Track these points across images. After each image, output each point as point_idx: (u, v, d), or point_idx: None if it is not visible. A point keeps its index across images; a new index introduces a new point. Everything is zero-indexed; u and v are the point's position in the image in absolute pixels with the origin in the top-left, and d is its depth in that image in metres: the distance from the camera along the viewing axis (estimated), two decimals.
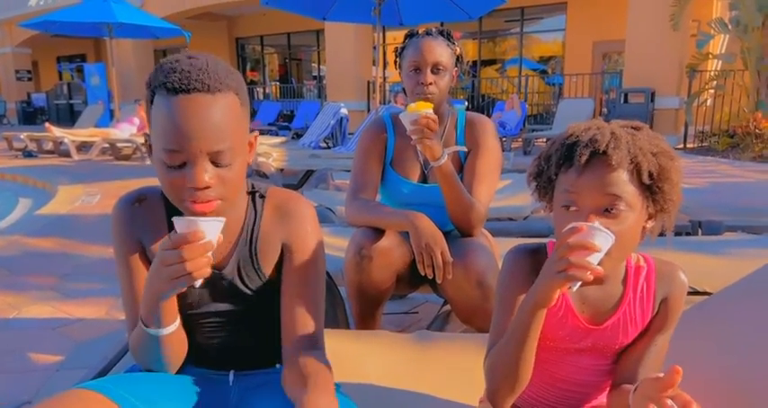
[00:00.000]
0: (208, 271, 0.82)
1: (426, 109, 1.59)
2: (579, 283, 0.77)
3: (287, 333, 0.98)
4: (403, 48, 1.80)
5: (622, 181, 0.81)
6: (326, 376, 0.89)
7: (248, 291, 1.00)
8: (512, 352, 0.86)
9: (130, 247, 0.99)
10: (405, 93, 1.82)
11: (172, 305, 0.90)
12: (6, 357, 2.05)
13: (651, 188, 0.83)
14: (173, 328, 0.91)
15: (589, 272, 0.76)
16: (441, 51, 1.73)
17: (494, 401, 0.91)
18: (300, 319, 0.97)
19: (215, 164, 0.85)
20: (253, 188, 1.02)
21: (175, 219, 0.83)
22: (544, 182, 0.89)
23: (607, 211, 0.81)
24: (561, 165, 0.85)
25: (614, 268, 0.89)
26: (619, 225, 0.81)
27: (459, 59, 1.80)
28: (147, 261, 0.99)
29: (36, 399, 1.75)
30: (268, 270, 1.00)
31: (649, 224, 0.87)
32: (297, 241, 0.99)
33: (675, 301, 0.92)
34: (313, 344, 0.97)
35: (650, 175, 0.81)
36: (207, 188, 0.84)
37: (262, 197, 1.01)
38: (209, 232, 0.82)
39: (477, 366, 1.00)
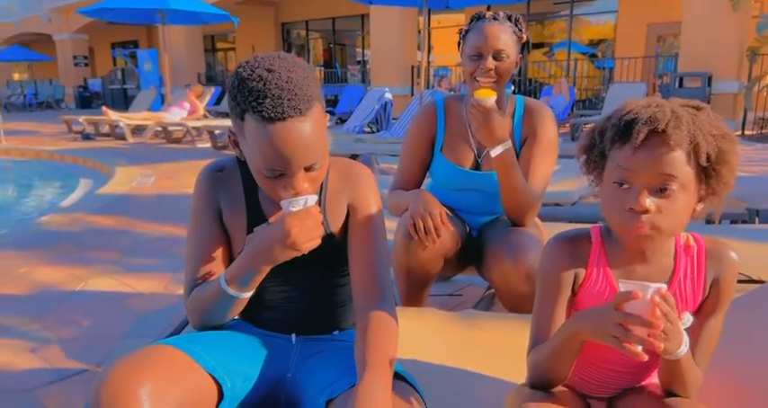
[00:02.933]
0: (317, 242, 0.97)
1: (490, 97, 1.57)
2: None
3: (357, 285, 1.07)
4: (467, 31, 1.74)
5: (679, 161, 0.80)
6: (387, 352, 0.96)
7: None
8: (553, 361, 0.90)
9: (210, 208, 1.09)
10: (464, 79, 1.79)
11: (263, 275, 1.01)
12: (74, 326, 2.20)
13: (707, 170, 0.82)
14: (251, 293, 1.03)
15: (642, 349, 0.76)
16: (505, 38, 1.67)
17: (534, 388, 0.95)
18: (368, 270, 1.06)
19: (308, 170, 0.95)
20: None
21: (283, 203, 0.96)
22: (595, 157, 0.89)
23: (660, 191, 0.81)
24: (616, 141, 0.84)
25: (662, 244, 0.89)
26: (670, 204, 0.81)
27: (525, 46, 1.75)
28: (221, 222, 1.10)
29: (106, 362, 1.88)
30: (335, 226, 1.10)
31: (699, 206, 0.87)
32: (361, 200, 1.10)
33: (727, 281, 0.91)
34: (381, 294, 1.05)
35: (708, 158, 0.81)
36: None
37: None
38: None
39: (521, 344, 1.02)
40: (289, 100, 0.89)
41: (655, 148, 0.80)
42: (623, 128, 0.83)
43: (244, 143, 0.96)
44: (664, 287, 0.77)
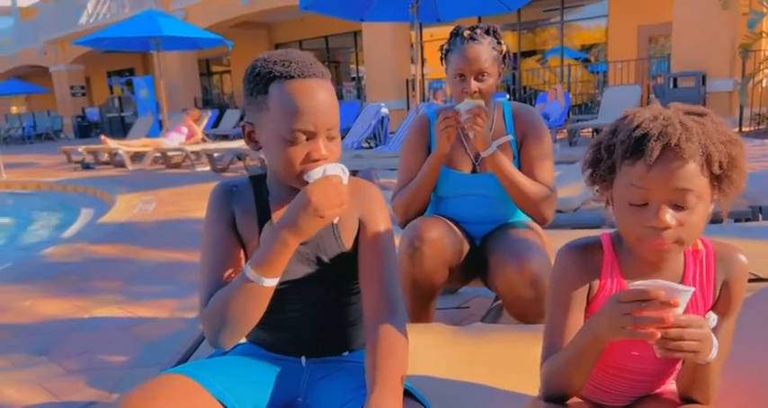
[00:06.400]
0: (341, 209, 0.97)
1: (479, 101, 1.69)
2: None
3: (367, 300, 1.06)
4: (448, 51, 1.79)
5: (694, 173, 0.80)
6: (397, 367, 0.95)
7: (326, 259, 1.09)
8: (569, 371, 0.88)
9: (224, 218, 1.09)
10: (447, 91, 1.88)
11: (289, 252, 0.97)
12: (81, 356, 2.19)
13: (719, 177, 0.82)
14: (275, 282, 0.98)
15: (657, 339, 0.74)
16: (485, 57, 1.72)
17: (549, 401, 0.93)
18: (379, 285, 1.06)
19: (328, 138, 1.01)
20: None
21: (305, 176, 0.98)
22: (603, 172, 0.88)
23: (677, 205, 0.81)
24: (627, 158, 0.82)
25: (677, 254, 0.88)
26: (690, 216, 0.81)
27: (505, 57, 1.80)
28: (236, 234, 1.09)
29: (115, 394, 1.86)
30: (347, 241, 1.11)
31: (710, 207, 0.86)
32: (372, 216, 1.12)
33: (736, 284, 0.90)
34: (391, 310, 1.04)
35: (720, 165, 0.81)
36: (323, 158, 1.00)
37: None
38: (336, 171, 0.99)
39: (532, 356, 1.01)
40: (311, 65, 1.00)
41: (668, 163, 0.79)
42: (634, 145, 0.81)
43: (265, 122, 0.99)
44: (690, 289, 0.75)
